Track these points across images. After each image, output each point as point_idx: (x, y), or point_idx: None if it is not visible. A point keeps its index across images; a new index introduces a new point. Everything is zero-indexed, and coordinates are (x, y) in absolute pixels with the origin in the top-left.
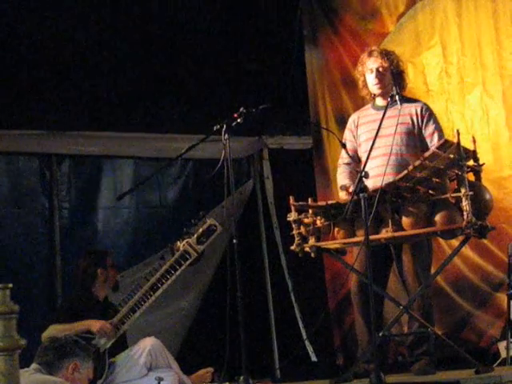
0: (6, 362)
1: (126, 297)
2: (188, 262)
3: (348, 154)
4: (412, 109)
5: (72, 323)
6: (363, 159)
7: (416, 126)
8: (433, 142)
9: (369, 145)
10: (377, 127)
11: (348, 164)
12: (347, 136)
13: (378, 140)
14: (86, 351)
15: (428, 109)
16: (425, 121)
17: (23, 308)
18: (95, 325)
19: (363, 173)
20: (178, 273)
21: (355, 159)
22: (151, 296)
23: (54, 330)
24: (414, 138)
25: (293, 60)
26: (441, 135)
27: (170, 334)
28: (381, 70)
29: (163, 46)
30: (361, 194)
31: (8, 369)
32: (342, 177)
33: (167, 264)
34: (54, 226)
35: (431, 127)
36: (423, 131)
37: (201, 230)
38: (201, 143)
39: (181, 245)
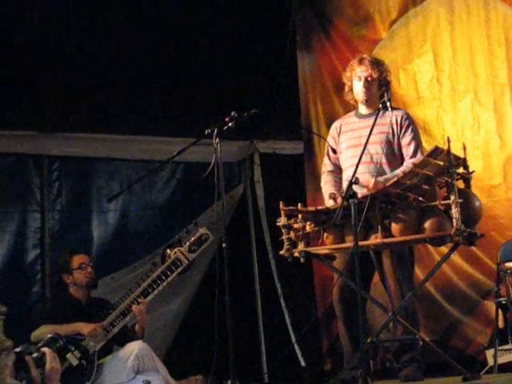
0: None
1: (118, 301)
2: (179, 270)
3: (331, 162)
4: (393, 117)
5: (63, 325)
6: (343, 166)
7: (395, 135)
8: (408, 152)
9: (349, 153)
10: (358, 135)
11: (331, 172)
12: (330, 142)
13: (359, 148)
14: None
15: (407, 118)
16: (403, 130)
17: (12, 310)
18: (86, 328)
19: (354, 179)
20: (168, 279)
21: (337, 167)
22: (142, 300)
23: (44, 329)
24: (393, 148)
25: (285, 65)
26: (417, 145)
27: (157, 337)
28: (369, 79)
29: (156, 49)
30: (351, 200)
31: None
32: (327, 186)
33: (158, 270)
34: (44, 228)
35: (408, 137)
36: (401, 140)
37: (193, 238)
38: (192, 146)
39: (172, 252)
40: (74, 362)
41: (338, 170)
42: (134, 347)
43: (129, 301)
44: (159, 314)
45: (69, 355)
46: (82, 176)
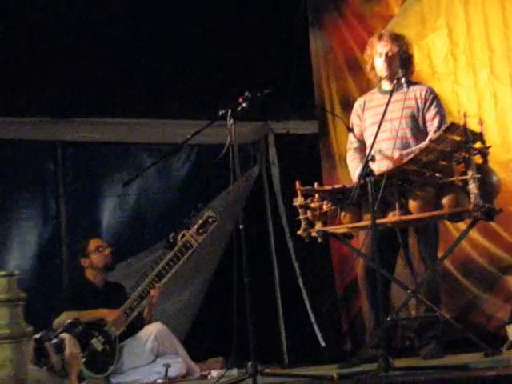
0: (13, 349)
1: (134, 285)
2: (190, 253)
3: (356, 138)
4: (417, 92)
5: (86, 311)
6: (368, 144)
7: (420, 110)
8: (432, 127)
9: (374, 129)
10: (382, 112)
11: (356, 149)
12: (354, 120)
13: (383, 124)
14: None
15: (432, 92)
16: (427, 104)
17: (31, 296)
18: (109, 314)
19: (370, 156)
20: (180, 262)
21: (363, 144)
22: (157, 283)
23: (66, 316)
24: (418, 122)
25: (297, 43)
26: (441, 120)
27: (176, 320)
28: (390, 54)
29: (167, 30)
30: (367, 178)
31: (15, 356)
32: (355, 163)
33: (170, 254)
34: (60, 214)
35: (433, 111)
36: (425, 115)
37: (200, 221)
38: (206, 129)
39: (179, 235)
40: (99, 347)
41: (363, 147)
42: (153, 329)
43: (145, 284)
44: (177, 297)
45: (93, 340)
46: (97, 161)
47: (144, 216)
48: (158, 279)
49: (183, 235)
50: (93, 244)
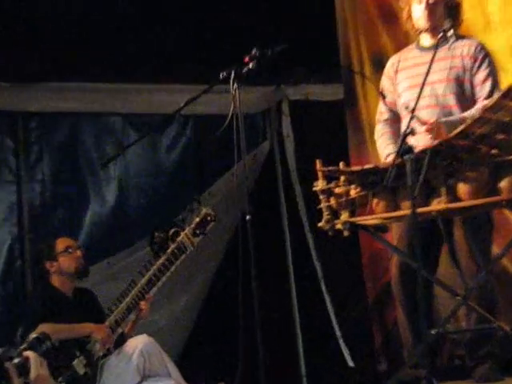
0: None
1: (121, 294)
2: (183, 257)
3: (387, 108)
4: (464, 48)
5: (68, 325)
6: (403, 113)
7: (467, 71)
8: (482, 92)
9: (410, 95)
10: (421, 72)
11: (388, 120)
12: (385, 85)
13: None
14: None
15: (483, 49)
16: (477, 64)
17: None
18: (99, 333)
19: (409, 129)
20: (172, 268)
21: (395, 114)
22: (148, 293)
23: (47, 331)
24: (464, 86)
25: None
26: (494, 84)
27: (168, 334)
28: (431, 1)
29: None
30: (406, 156)
31: None
32: (384, 138)
33: (163, 257)
34: (22, 204)
35: (483, 73)
36: (474, 77)
37: (197, 219)
38: (204, 95)
39: (172, 235)
40: (81, 371)
41: (396, 118)
42: (138, 342)
43: (135, 294)
44: (169, 307)
45: (75, 362)
46: (68, 137)
47: (126, 206)
48: (148, 288)
49: (177, 234)
50: (61, 244)
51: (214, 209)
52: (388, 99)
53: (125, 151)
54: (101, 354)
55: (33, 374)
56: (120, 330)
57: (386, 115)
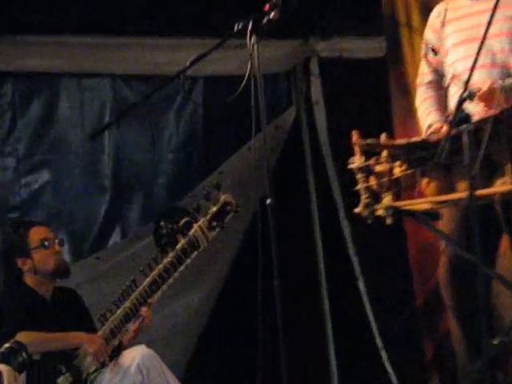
0: None
1: (118, 298)
2: (195, 254)
3: (431, 68)
4: None
5: (52, 334)
6: (449, 74)
7: None
8: None
9: (460, 52)
10: (471, 25)
11: (432, 83)
12: (429, 39)
13: (475, 43)
14: None
15: None
16: None
17: None
18: (90, 345)
19: (466, 93)
20: (181, 268)
21: (441, 76)
22: (150, 297)
23: (25, 341)
24: None
25: None
26: None
27: (172, 342)
28: None
29: None
30: (462, 127)
31: None
32: (426, 105)
33: (171, 254)
34: None
35: None
36: None
37: (214, 208)
38: (215, 51)
39: (180, 224)
40: None
41: (442, 81)
42: (135, 355)
43: (135, 298)
44: (174, 311)
45: (60, 380)
46: (49, 102)
47: (121, 186)
48: (150, 291)
49: (188, 226)
50: (35, 235)
51: (234, 195)
52: (431, 57)
53: (118, 121)
54: (91, 370)
55: None
56: (116, 342)
57: (429, 77)
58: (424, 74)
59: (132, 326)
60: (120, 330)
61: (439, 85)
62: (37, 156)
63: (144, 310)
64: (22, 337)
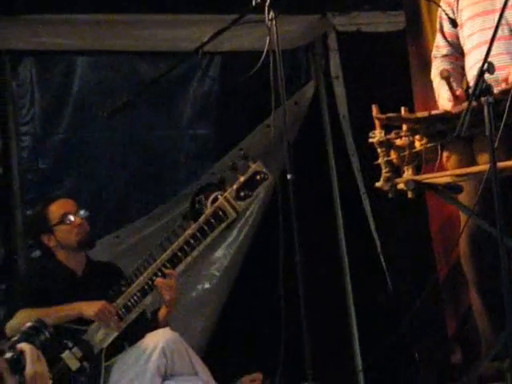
0: None
1: (133, 272)
2: (223, 226)
3: (446, 41)
4: None
5: (52, 307)
6: (467, 47)
7: None
8: None
9: (476, 24)
10: None
11: (447, 56)
12: (445, 11)
13: (493, 16)
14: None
15: None
16: None
17: None
18: (89, 308)
19: (486, 65)
20: (207, 241)
21: (457, 49)
22: (169, 270)
23: (25, 318)
24: None
25: None
26: None
27: (193, 322)
28: None
29: None
30: (483, 98)
31: None
32: (439, 78)
33: (193, 227)
34: (11, 163)
35: None
36: None
37: (242, 178)
38: (232, 27)
39: (209, 198)
40: (74, 366)
41: (457, 54)
42: (158, 339)
43: (151, 272)
44: (193, 287)
45: (65, 354)
46: (65, 80)
47: (139, 164)
48: (171, 265)
49: (214, 199)
50: (56, 210)
51: (265, 163)
52: (446, 30)
53: (136, 98)
54: (105, 345)
55: (29, 371)
56: (133, 316)
57: (444, 50)
58: (440, 47)
59: (149, 301)
60: (136, 304)
61: (455, 57)
62: (55, 135)
63: (158, 281)
64: (21, 314)
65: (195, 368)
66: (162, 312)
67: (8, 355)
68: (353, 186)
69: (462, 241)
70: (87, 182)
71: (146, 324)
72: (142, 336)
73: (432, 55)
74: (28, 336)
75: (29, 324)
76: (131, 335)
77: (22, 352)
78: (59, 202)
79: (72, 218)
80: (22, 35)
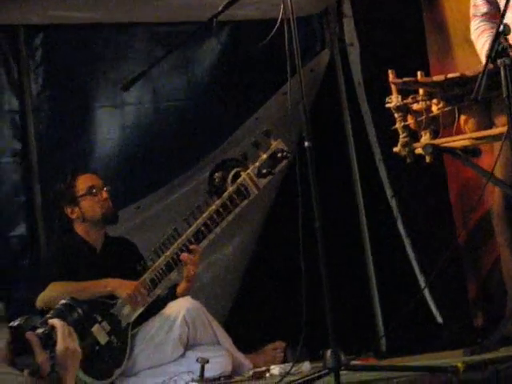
0: None
1: (159, 246)
2: (245, 203)
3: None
4: None
5: (85, 282)
6: (502, 4)
7: None
8: None
9: None
10: None
11: (487, 15)
12: None
13: None
14: None
15: None
16: None
17: None
18: (122, 288)
19: (501, 26)
20: (230, 217)
21: (496, 7)
22: (193, 245)
23: (55, 292)
24: None
25: None
26: None
27: (214, 291)
28: None
29: None
30: (499, 60)
31: None
32: (484, 37)
33: (217, 202)
34: (28, 138)
35: None
36: None
37: (265, 156)
38: None
39: (230, 174)
40: (103, 340)
41: (496, 11)
42: (180, 308)
43: (176, 247)
44: (214, 259)
45: (95, 328)
46: (80, 54)
47: (156, 136)
48: (195, 240)
49: (236, 175)
50: (83, 182)
51: (285, 142)
52: None
53: (150, 70)
54: (131, 319)
55: (60, 347)
56: (159, 292)
57: (483, 8)
58: (478, 6)
59: (175, 275)
60: (162, 279)
61: (494, 16)
62: (72, 109)
63: (184, 256)
64: (53, 287)
65: (217, 337)
66: (182, 286)
67: (39, 330)
68: (369, 151)
69: (495, 202)
70: (106, 154)
71: (167, 296)
72: (160, 308)
73: (471, 14)
74: (61, 312)
75: (63, 301)
76: (157, 309)
77: (53, 328)
78: (87, 175)
79: (98, 191)
80: (36, 9)
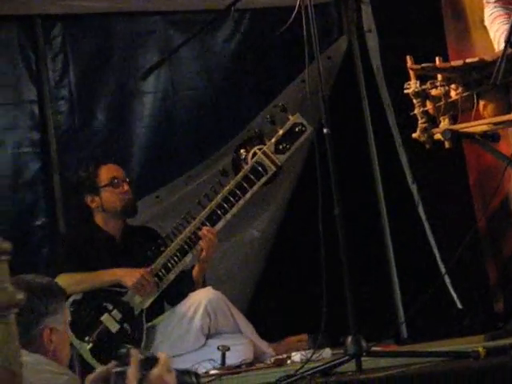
0: None
1: (172, 231)
2: (263, 180)
3: None
4: None
5: (91, 273)
6: None
7: None
8: None
9: None
10: None
11: (500, 1)
12: None
13: None
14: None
15: None
16: None
17: (16, 246)
18: (128, 277)
19: None
20: (246, 196)
21: None
22: (207, 228)
23: (64, 282)
24: None
25: None
26: None
27: (233, 280)
28: None
29: None
30: None
31: (2, 335)
32: (498, 24)
33: (231, 183)
34: (47, 127)
35: None
36: None
37: (281, 131)
38: None
39: (249, 154)
40: (114, 328)
41: None
42: (201, 298)
43: (189, 231)
44: (234, 247)
45: (104, 317)
46: (99, 43)
47: (175, 124)
48: (209, 223)
49: (253, 154)
50: (106, 173)
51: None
52: None
53: (169, 58)
54: (145, 305)
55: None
56: (172, 277)
57: None
58: None
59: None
60: (176, 263)
61: (508, 1)
62: (91, 98)
63: (201, 241)
64: (60, 279)
65: (239, 326)
66: (196, 269)
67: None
68: (388, 137)
69: None
70: (126, 144)
71: (186, 283)
72: (181, 295)
73: (484, 1)
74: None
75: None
76: (171, 295)
77: None
78: (110, 165)
79: (120, 182)
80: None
